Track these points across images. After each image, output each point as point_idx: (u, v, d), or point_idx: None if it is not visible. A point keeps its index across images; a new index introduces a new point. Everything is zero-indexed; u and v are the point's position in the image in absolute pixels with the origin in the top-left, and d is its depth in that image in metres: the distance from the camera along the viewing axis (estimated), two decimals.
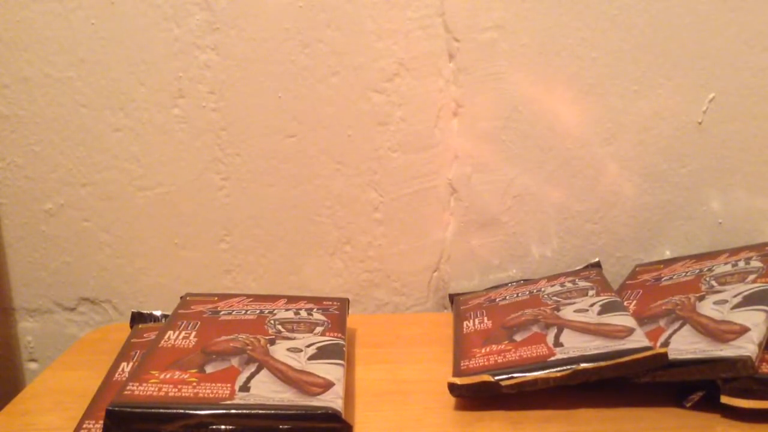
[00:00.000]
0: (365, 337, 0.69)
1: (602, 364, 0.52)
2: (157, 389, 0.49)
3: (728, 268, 0.65)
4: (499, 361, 0.56)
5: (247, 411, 0.47)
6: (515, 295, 0.69)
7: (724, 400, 0.51)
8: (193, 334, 0.58)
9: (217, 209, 0.76)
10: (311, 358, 0.55)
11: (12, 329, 0.80)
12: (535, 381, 0.53)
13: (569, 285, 0.68)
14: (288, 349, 0.56)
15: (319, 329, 0.61)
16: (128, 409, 0.47)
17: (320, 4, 0.71)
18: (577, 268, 0.76)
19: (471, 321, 0.66)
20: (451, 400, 0.55)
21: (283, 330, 0.60)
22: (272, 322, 0.61)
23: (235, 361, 0.54)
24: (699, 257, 0.71)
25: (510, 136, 0.75)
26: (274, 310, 0.64)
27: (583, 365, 0.52)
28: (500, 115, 0.74)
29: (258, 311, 0.64)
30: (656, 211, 0.77)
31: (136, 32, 0.71)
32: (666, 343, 0.55)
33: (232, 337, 0.58)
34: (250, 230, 0.77)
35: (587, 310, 0.61)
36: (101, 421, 0.47)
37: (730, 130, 0.75)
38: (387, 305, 0.79)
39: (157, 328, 0.64)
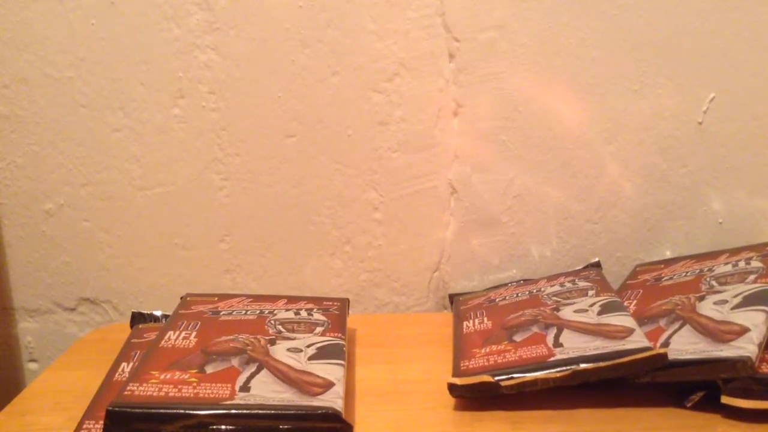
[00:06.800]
0: (365, 337, 0.69)
1: (602, 364, 0.52)
2: (157, 389, 0.49)
3: (728, 268, 0.65)
4: (498, 361, 0.56)
5: (248, 411, 0.47)
6: (515, 295, 0.69)
7: (725, 400, 0.51)
8: (194, 334, 0.58)
9: (217, 209, 0.76)
10: (311, 358, 0.55)
11: (12, 329, 0.80)
12: (535, 381, 0.53)
13: (569, 285, 0.68)
14: (288, 349, 0.56)
15: (319, 329, 0.61)
16: (128, 410, 0.47)
17: (320, 4, 0.71)
18: (577, 268, 0.76)
19: (471, 321, 0.66)
20: (451, 400, 0.55)
21: (283, 330, 0.60)
22: (272, 322, 0.61)
23: (235, 361, 0.54)
24: (699, 257, 0.71)
25: (510, 136, 0.75)
26: (274, 310, 0.64)
27: (583, 366, 0.52)
28: (500, 115, 0.74)
29: (258, 311, 0.64)
30: (656, 211, 0.77)
31: (136, 32, 0.71)
32: (666, 344, 0.55)
33: (232, 337, 0.58)
34: (250, 230, 0.77)
35: (587, 311, 0.61)
36: (101, 422, 0.47)
37: (730, 130, 0.75)
38: (387, 305, 0.79)
39: (157, 328, 0.64)
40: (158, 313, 0.69)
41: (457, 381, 0.55)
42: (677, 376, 0.52)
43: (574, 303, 0.63)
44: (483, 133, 0.75)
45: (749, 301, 0.58)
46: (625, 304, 0.64)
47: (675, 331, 0.57)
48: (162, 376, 0.51)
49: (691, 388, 0.53)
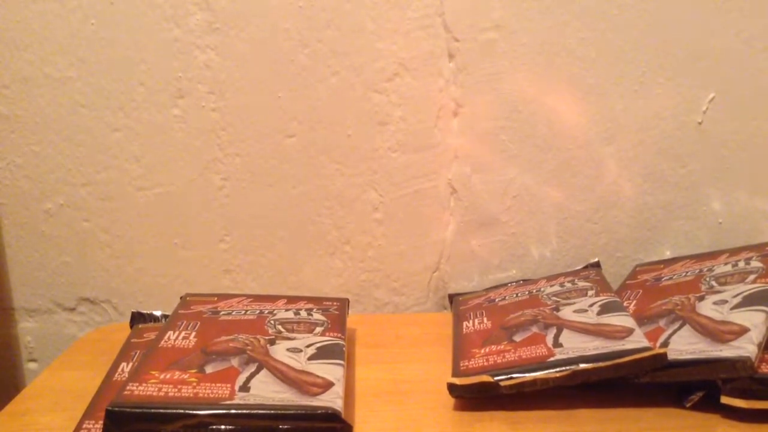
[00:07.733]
0: (365, 337, 0.69)
1: (601, 364, 0.52)
2: (156, 389, 0.49)
3: (728, 268, 0.65)
4: (498, 361, 0.56)
5: (247, 411, 0.47)
6: (515, 296, 0.69)
7: (724, 400, 0.51)
8: (193, 334, 0.58)
9: (217, 209, 0.76)
10: (311, 358, 0.55)
11: (12, 329, 0.80)
12: (535, 381, 0.53)
13: (569, 285, 0.68)
14: (288, 349, 0.56)
15: (318, 329, 0.61)
16: (128, 410, 0.47)
17: (320, 4, 0.71)
18: (577, 268, 0.76)
19: (470, 321, 0.66)
20: (451, 400, 0.55)
21: (283, 330, 0.60)
22: (272, 322, 0.61)
23: (234, 361, 0.54)
24: (699, 257, 0.71)
25: (510, 136, 0.75)
26: (274, 310, 0.64)
27: (583, 366, 0.52)
28: (500, 115, 0.74)
29: (258, 311, 0.64)
30: (656, 211, 0.77)
31: (136, 32, 0.71)
32: (665, 344, 0.55)
33: (231, 337, 0.58)
34: (250, 230, 0.77)
35: (587, 311, 0.61)
36: (101, 422, 0.47)
37: (730, 130, 0.75)
38: (387, 305, 0.79)
39: (157, 328, 0.64)
40: (158, 313, 0.69)
41: (457, 381, 0.55)
42: (677, 376, 0.52)
43: (573, 303, 0.63)
44: (483, 133, 0.75)
45: (749, 301, 0.58)
46: (625, 304, 0.64)
47: (674, 331, 0.57)
48: (162, 376, 0.51)
49: (691, 388, 0.53)
